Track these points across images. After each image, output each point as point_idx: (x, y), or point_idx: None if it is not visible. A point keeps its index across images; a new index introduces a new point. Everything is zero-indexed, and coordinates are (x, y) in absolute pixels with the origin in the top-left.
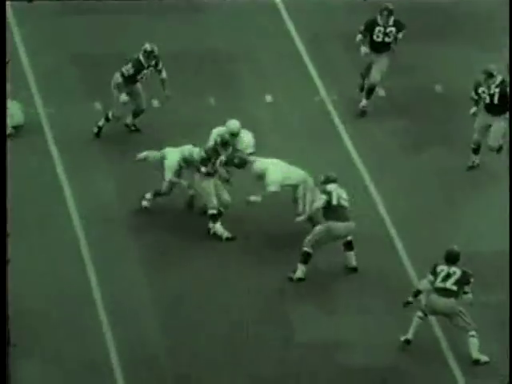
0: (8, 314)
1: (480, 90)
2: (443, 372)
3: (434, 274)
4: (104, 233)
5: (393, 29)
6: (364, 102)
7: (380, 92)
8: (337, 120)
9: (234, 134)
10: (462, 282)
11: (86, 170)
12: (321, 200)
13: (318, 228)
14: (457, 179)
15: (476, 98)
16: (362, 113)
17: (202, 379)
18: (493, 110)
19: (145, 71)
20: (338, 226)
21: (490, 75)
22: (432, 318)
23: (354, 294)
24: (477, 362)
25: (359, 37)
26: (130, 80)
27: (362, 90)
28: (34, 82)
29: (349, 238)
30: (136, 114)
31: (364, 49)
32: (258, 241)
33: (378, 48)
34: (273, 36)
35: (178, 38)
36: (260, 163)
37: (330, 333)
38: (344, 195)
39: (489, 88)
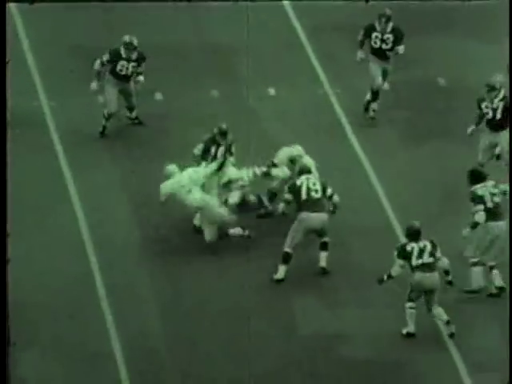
0: (8, 313)
1: (483, 105)
2: (445, 364)
3: (405, 255)
4: (106, 230)
5: (390, 36)
6: (374, 105)
7: (384, 86)
8: (340, 113)
9: (293, 161)
10: (434, 251)
11: (89, 164)
12: (281, 204)
13: (292, 226)
14: (459, 172)
15: (479, 113)
16: (373, 118)
17: (203, 372)
18: (496, 125)
19: (123, 62)
20: (310, 216)
21: (493, 88)
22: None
23: (355, 287)
24: (409, 335)
25: (359, 39)
26: (116, 75)
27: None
28: (36, 75)
29: (325, 239)
30: (131, 109)
31: (360, 53)
32: (259, 235)
33: (378, 54)
34: (275, 28)
35: (181, 31)
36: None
37: (331, 326)
38: (316, 187)
39: (492, 102)
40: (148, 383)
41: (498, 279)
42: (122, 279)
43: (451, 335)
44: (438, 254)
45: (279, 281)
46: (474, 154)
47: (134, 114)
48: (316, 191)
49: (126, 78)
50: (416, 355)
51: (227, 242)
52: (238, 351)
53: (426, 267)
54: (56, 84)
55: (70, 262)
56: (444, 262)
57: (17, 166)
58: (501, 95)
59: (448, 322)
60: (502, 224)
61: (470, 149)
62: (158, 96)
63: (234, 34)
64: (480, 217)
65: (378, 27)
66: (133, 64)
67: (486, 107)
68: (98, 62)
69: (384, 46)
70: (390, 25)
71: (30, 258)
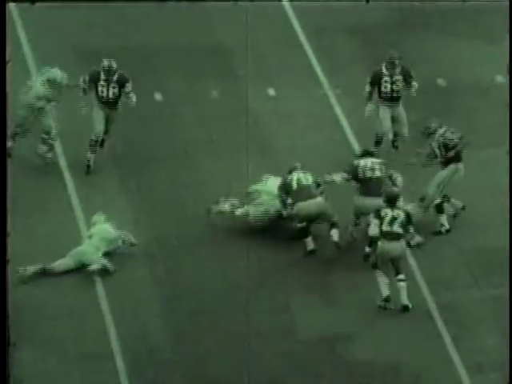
0: (8, 313)
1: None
2: (445, 364)
3: (380, 217)
4: None
5: (399, 77)
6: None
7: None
8: (340, 114)
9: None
10: (406, 223)
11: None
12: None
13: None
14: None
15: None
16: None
17: (203, 372)
18: (443, 163)
19: (102, 83)
20: (303, 205)
21: (429, 133)
22: (436, 315)
23: (355, 287)
24: (406, 309)
25: (367, 90)
26: (99, 98)
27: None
28: (36, 75)
29: (333, 220)
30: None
31: (369, 107)
32: (259, 236)
33: (389, 99)
34: (275, 28)
35: (181, 31)
36: None
37: (331, 326)
38: (308, 176)
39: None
40: (147, 383)
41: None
42: (122, 279)
43: (405, 308)
44: (412, 229)
45: (312, 252)
46: (474, 154)
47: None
48: (307, 179)
49: (110, 104)
50: (416, 355)
51: (227, 242)
52: (237, 351)
53: (393, 236)
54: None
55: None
56: (411, 234)
57: (17, 166)
58: (437, 135)
59: (406, 305)
60: (379, 201)
61: (469, 149)
62: (158, 96)
63: (234, 34)
64: (372, 230)
65: (386, 71)
66: (113, 86)
67: (432, 147)
68: (81, 79)
69: (395, 88)
70: (400, 66)
71: (29, 257)
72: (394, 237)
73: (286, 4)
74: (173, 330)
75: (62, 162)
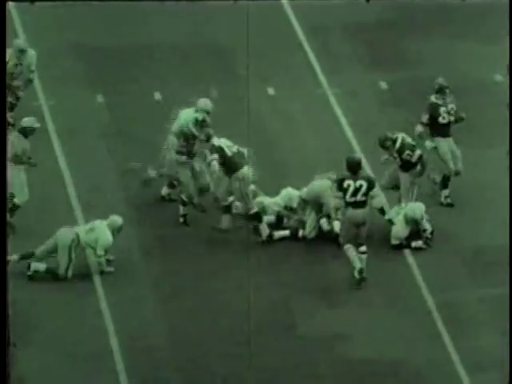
0: (8, 313)
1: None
2: (445, 364)
3: (342, 189)
4: None
5: (453, 105)
6: (446, 192)
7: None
8: (339, 113)
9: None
10: (369, 190)
11: (89, 164)
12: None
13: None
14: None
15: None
16: (448, 204)
17: (203, 372)
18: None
19: (191, 141)
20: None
21: (386, 148)
22: (436, 315)
23: (355, 287)
24: (361, 272)
25: (420, 129)
26: (189, 154)
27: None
28: (36, 74)
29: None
30: (201, 191)
31: (420, 127)
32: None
33: (445, 131)
34: (275, 28)
35: (181, 31)
36: None
37: (331, 326)
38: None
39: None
40: (147, 382)
41: None
42: (121, 279)
43: (361, 279)
44: (376, 191)
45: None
46: (473, 154)
47: (196, 200)
48: (233, 147)
49: (193, 155)
50: (415, 355)
51: (227, 242)
52: (237, 351)
53: (358, 205)
54: (55, 83)
55: None
56: (380, 200)
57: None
58: (397, 146)
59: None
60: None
61: (468, 149)
62: (158, 96)
63: (234, 34)
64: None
65: (440, 101)
66: (199, 140)
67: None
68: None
69: (451, 119)
70: (450, 94)
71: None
72: (359, 205)
73: (286, 3)
74: (172, 330)
75: (62, 162)
